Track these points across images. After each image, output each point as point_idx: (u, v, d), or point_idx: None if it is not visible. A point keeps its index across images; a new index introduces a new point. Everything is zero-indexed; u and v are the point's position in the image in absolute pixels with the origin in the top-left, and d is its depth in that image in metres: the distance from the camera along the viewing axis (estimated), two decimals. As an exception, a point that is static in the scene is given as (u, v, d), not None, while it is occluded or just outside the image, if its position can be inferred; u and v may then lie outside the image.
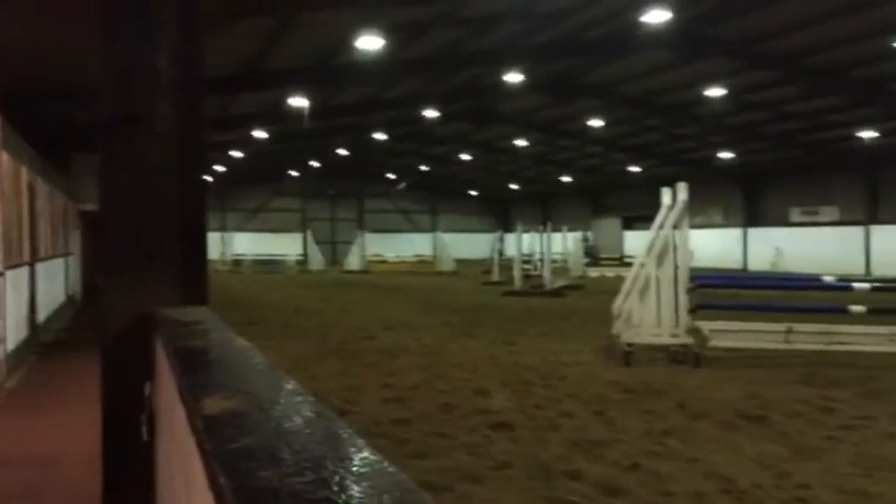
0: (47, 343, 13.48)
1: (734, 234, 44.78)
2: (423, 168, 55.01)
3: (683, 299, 11.28)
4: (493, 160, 49.73)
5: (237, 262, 48.26)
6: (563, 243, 35.99)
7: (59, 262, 18.00)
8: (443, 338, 14.12)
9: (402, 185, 61.26)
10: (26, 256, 12.39)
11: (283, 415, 1.23)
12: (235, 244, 51.69)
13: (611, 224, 55.61)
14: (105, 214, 3.59)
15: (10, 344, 10.46)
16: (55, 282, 16.98)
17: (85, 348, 11.62)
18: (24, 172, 12.40)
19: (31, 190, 13.31)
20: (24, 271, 12.13)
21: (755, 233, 43.68)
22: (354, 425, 7.25)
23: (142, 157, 3.58)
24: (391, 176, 60.12)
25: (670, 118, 32.40)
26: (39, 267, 13.92)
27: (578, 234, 40.34)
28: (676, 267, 11.36)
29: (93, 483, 3.76)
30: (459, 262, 45.82)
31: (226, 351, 2.09)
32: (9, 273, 10.52)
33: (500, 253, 34.97)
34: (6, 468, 5.97)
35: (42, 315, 14.14)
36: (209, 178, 48.59)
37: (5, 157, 10.53)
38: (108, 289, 3.53)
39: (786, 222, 41.68)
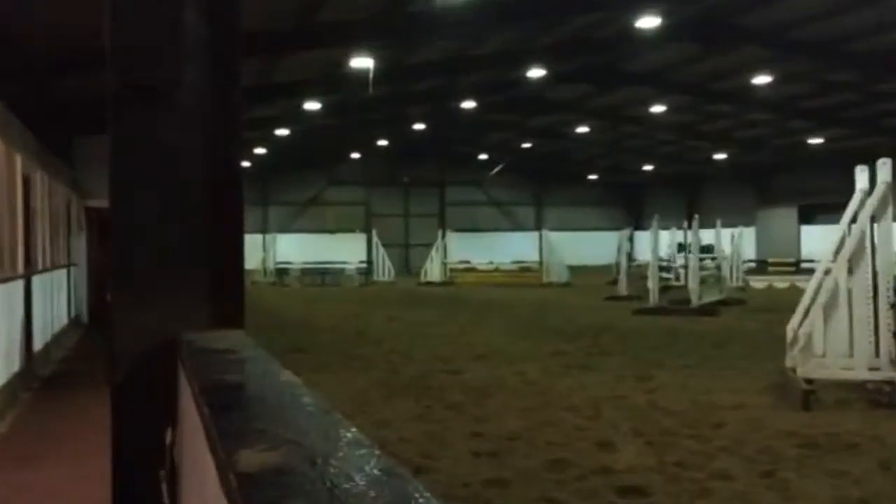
0: (46, 377, 14.07)
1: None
2: (525, 146, 55.00)
3: (886, 318, 10.89)
4: (619, 133, 49.24)
5: (282, 273, 49.33)
6: (716, 243, 35.31)
7: (60, 275, 18.78)
8: (552, 371, 14.04)
9: (497, 170, 61.43)
10: (20, 268, 12.88)
11: (340, 472, 1.25)
12: (280, 249, 52.87)
13: (783, 216, 54.15)
14: (116, 213, 3.72)
15: (0, 378, 10.92)
16: (56, 299, 17.70)
17: (92, 384, 12.08)
18: (19, 161, 12.89)
19: (27, 183, 13.87)
20: (17, 287, 12.64)
21: None
22: (435, 487, 7.28)
23: (161, 138, 3.69)
24: (483, 157, 60.41)
25: (868, 70, 31.29)
26: (36, 281, 14.50)
27: (738, 231, 39.52)
28: (875, 274, 10.99)
29: (104, 556, 3.90)
30: (574, 269, 45.57)
31: (268, 388, 2.13)
32: (-1, 288, 11.03)
33: (630, 257, 34.57)
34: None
35: (39, 342, 14.74)
36: (247, 164, 50.02)
37: (-4, 141, 11.05)
38: (120, 308, 3.65)
39: None
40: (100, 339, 17.21)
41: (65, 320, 19.37)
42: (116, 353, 3.57)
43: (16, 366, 12.20)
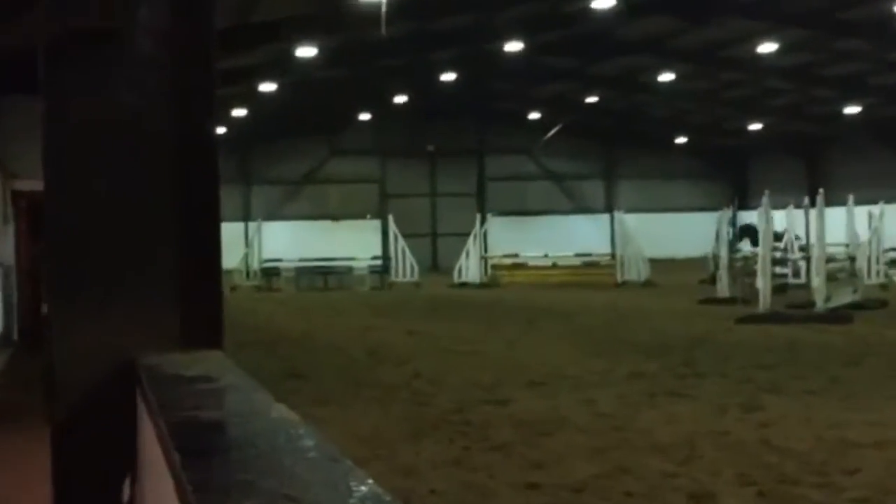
0: (-36, 414, 14.18)
1: None
2: (591, 100, 54.81)
3: None
4: (715, 82, 48.92)
5: (270, 274, 49.20)
6: (848, 226, 35.00)
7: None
8: (630, 400, 13.98)
9: (554, 133, 61.25)
10: None
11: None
12: (268, 242, 52.85)
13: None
14: (52, 198, 3.74)
15: None
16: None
17: (25, 423, 12.17)
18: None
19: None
20: None
21: None
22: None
23: (111, 98, 3.72)
24: (534, 117, 60.26)
25: None
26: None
27: (877, 209, 39.12)
28: None
29: None
30: (657, 263, 45.30)
31: (256, 426, 2.14)
32: None
33: (733, 246, 34.33)
34: None
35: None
36: (222, 131, 50.17)
37: None
38: (61, 323, 3.67)
39: None
40: (35, 363, 17.32)
41: (-13, 339, 19.51)
42: (59, 382, 3.59)
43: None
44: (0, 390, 16.58)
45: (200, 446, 2.03)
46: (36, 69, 3.68)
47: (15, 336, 23.06)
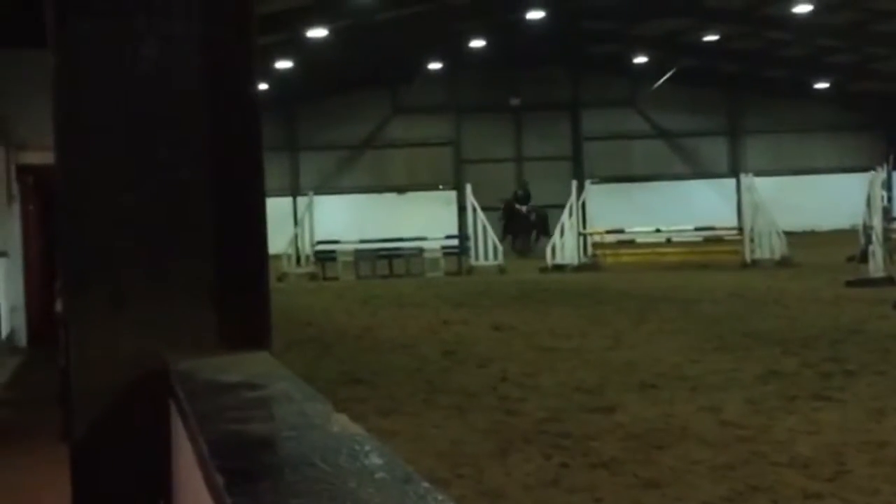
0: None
1: None
2: (709, 39, 54.35)
3: None
4: (865, 13, 48.34)
5: (324, 258, 49.25)
6: None
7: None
8: (764, 405, 13.89)
9: (665, 79, 60.86)
10: None
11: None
12: (321, 220, 52.79)
13: None
14: (65, 173, 3.79)
15: None
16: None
17: (37, 442, 12.37)
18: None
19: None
20: None
21: None
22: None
23: (135, 49, 3.76)
24: (640, 60, 59.94)
25: None
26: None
27: None
28: None
29: None
30: (795, 237, 44.88)
31: (312, 442, 2.17)
32: None
33: (888, 215, 33.94)
34: None
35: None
36: (264, 87, 50.40)
37: None
38: (79, 322, 3.72)
39: None
40: (48, 370, 17.56)
41: (-10, 343, 19.81)
42: (76, 393, 3.63)
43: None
44: (6, 405, 16.85)
45: (247, 466, 2.06)
46: (41, 16, 3.73)
47: (23, 340, 23.27)
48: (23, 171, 23.83)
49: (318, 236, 49.61)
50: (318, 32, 42.24)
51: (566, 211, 45.94)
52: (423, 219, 56.02)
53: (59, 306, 10.08)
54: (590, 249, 45.45)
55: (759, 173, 50.44)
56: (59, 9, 3.71)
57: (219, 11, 3.80)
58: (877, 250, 32.54)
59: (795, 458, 11.11)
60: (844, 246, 41.51)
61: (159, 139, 3.78)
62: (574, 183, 48.43)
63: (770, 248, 42.20)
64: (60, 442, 3.85)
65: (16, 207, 23.68)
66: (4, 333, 21.49)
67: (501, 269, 44.40)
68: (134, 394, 3.63)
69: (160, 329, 3.70)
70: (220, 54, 3.81)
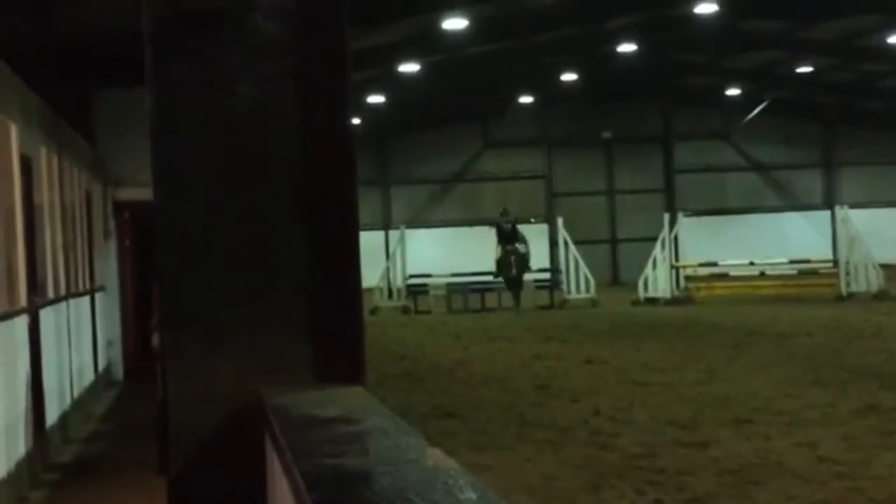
0: (66, 464, 14.56)
1: None
2: (803, 70, 53.95)
3: None
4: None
5: (416, 292, 49.34)
6: None
7: (81, 306, 19.35)
8: (862, 441, 13.73)
9: (757, 112, 60.46)
10: (22, 298, 13.25)
11: None
12: (413, 253, 52.96)
13: None
14: (162, 210, 3.83)
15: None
16: (75, 344, 18.26)
17: (135, 474, 12.47)
18: (14, 134, 13.30)
19: (28, 167, 14.36)
20: (17, 327, 12.98)
21: None
22: None
23: (230, 87, 3.80)
24: (732, 93, 59.61)
25: None
26: (46, 317, 15.00)
27: None
28: None
29: None
30: (891, 270, 44.30)
31: (407, 476, 2.17)
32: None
33: None
34: None
35: (54, 410, 15.27)
36: (356, 122, 50.66)
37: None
38: (176, 356, 3.74)
39: None
40: (144, 404, 17.68)
41: (90, 376, 19.95)
42: (173, 426, 3.65)
43: (21, 449, 12.53)
44: (103, 438, 17.00)
45: (343, 500, 2.07)
46: (140, 57, 3.76)
47: (120, 374, 23.47)
48: (119, 207, 24.06)
49: (410, 270, 49.83)
50: (409, 67, 42.44)
51: (658, 244, 45.82)
52: (516, 253, 55.81)
53: (155, 340, 10.18)
54: (682, 282, 45.21)
55: (854, 205, 50.00)
56: (157, 50, 3.75)
57: (313, 48, 3.84)
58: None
59: (894, 495, 10.97)
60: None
61: (253, 175, 3.81)
62: (666, 216, 48.23)
63: (866, 281, 41.74)
64: (157, 475, 3.88)
65: (112, 243, 23.92)
66: (101, 367, 21.71)
67: (594, 302, 44.32)
68: (230, 428, 3.65)
69: (256, 364, 3.72)
70: (314, 90, 3.84)
